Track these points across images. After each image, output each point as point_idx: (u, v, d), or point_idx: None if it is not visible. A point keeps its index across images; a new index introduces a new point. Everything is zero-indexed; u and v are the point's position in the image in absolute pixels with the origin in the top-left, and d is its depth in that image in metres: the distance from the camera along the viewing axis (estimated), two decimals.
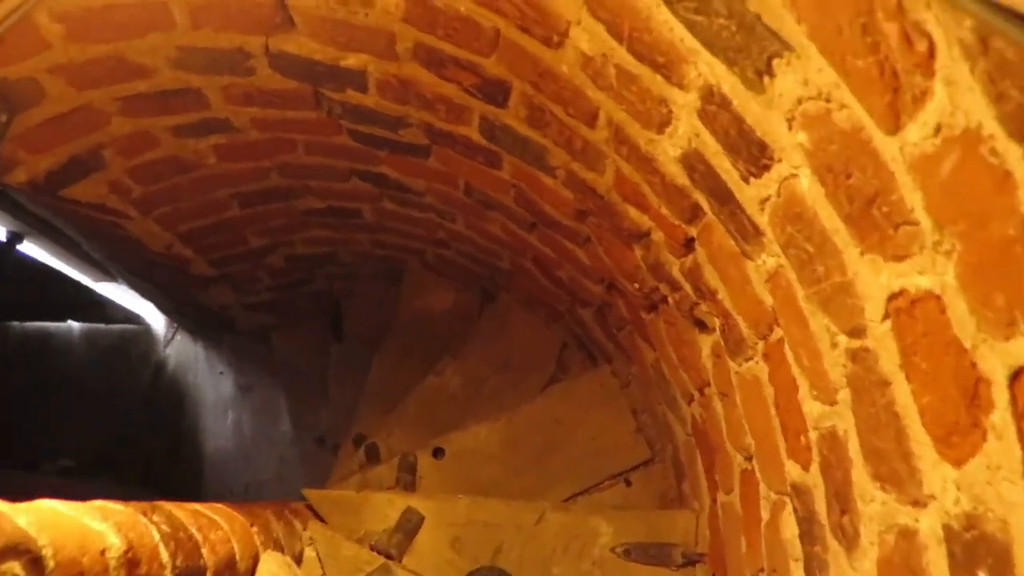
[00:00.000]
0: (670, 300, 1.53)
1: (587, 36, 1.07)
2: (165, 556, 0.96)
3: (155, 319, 4.50)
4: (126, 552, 0.86)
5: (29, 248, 3.64)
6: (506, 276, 2.41)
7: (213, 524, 1.20)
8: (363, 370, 2.89)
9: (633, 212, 1.41)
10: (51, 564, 0.71)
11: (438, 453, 2.12)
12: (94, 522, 0.85)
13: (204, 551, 1.09)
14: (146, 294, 3.70)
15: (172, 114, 1.73)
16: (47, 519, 0.75)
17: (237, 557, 1.21)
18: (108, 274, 4.04)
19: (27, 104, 1.57)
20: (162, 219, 2.15)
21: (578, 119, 1.30)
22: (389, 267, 2.79)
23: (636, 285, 1.62)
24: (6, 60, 1.45)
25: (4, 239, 3.41)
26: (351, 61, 1.49)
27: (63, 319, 4.54)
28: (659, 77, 1.01)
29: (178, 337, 4.37)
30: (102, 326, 4.56)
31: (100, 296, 4.24)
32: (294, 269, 2.78)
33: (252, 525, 1.37)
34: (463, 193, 1.93)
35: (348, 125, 1.76)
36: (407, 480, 2.04)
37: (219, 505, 1.35)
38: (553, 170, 1.54)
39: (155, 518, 1.02)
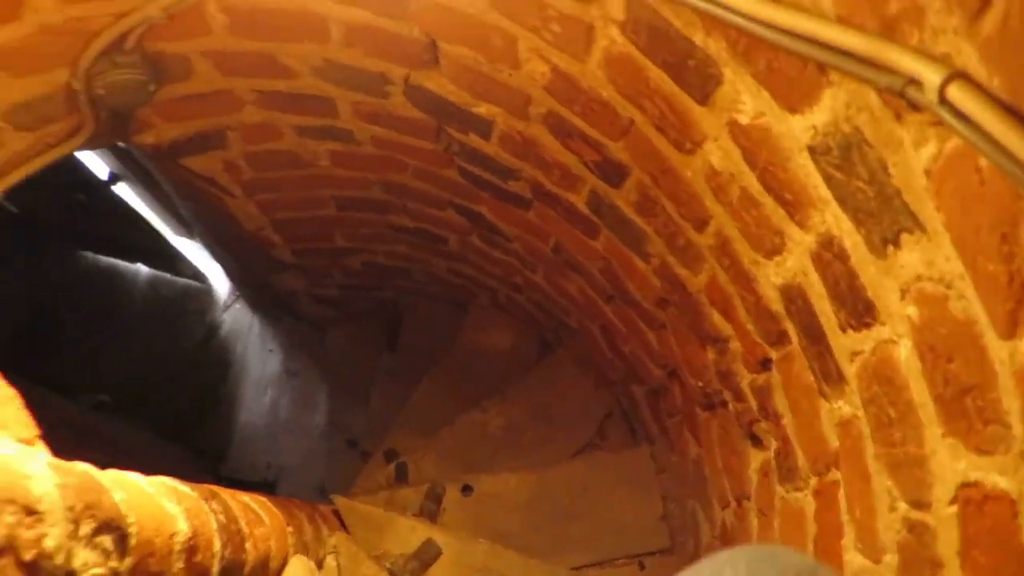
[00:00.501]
0: (730, 407, 1.55)
1: (720, 153, 1.11)
2: (217, 546, 1.01)
3: (219, 282, 4.62)
4: (190, 539, 0.91)
5: (123, 189, 3.79)
6: (569, 333, 2.45)
7: (258, 520, 1.25)
8: (408, 386, 2.94)
9: (717, 318, 1.44)
10: (133, 542, 0.76)
11: (466, 490, 2.15)
12: (170, 504, 0.90)
13: (247, 546, 1.14)
14: (219, 260, 3.82)
15: (301, 115, 1.81)
16: (135, 498, 0.80)
17: (271, 556, 1.25)
18: (188, 231, 4.17)
19: (175, 78, 1.66)
20: (262, 204, 2.24)
21: (688, 221, 1.33)
22: (458, 295, 2.84)
23: (700, 383, 1.65)
24: (168, 36, 1.54)
25: (105, 177, 3.55)
26: (482, 110, 1.55)
27: (134, 261, 4.68)
28: (782, 211, 1.04)
29: (237, 305, 4.48)
30: (168, 276, 4.70)
31: (174, 248, 4.37)
32: (368, 275, 2.85)
33: (288, 525, 1.42)
34: (551, 250, 1.98)
35: (461, 163, 1.82)
36: (431, 509, 2.08)
37: (264, 499, 1.41)
38: (648, 256, 1.58)
39: (214, 506, 1.07)
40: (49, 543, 0.62)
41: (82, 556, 0.67)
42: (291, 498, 1.70)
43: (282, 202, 2.23)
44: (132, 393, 4.52)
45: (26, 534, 0.59)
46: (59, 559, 0.63)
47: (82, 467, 0.75)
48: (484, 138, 1.64)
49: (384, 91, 1.64)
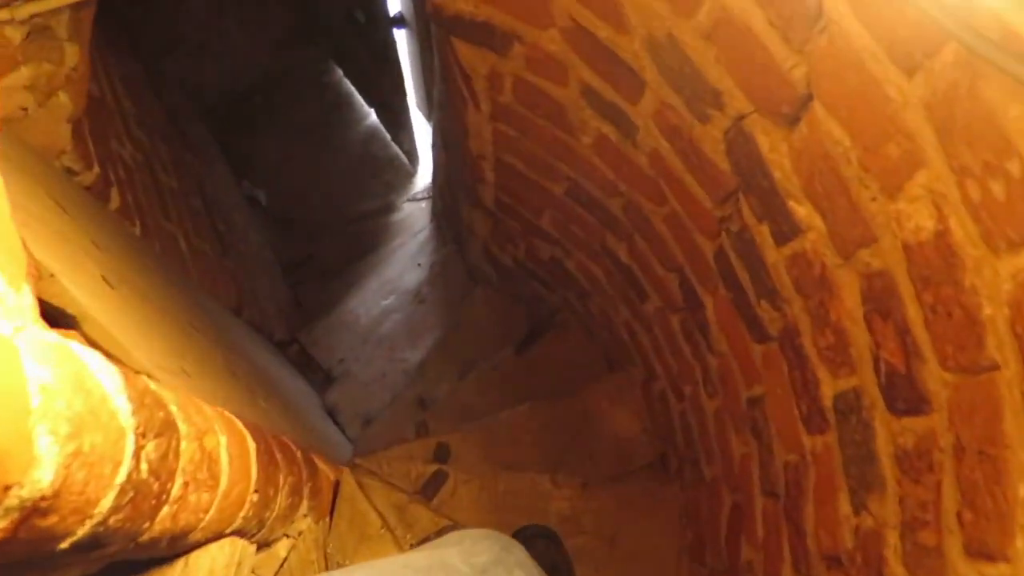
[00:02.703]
0: None
1: None
2: (99, 509, 0.67)
3: (423, 174, 4.41)
4: (42, 499, 0.57)
5: (400, 35, 3.59)
6: (697, 478, 2.01)
7: (211, 481, 0.91)
8: (508, 397, 2.59)
9: None
10: None
11: None
12: (46, 440, 0.56)
13: (163, 513, 0.80)
14: (434, 155, 3.56)
15: (600, 77, 1.45)
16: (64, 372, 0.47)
17: (195, 528, 0.92)
18: (428, 111, 3.95)
19: None
20: (499, 135, 1.91)
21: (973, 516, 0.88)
22: (616, 353, 2.44)
23: None
24: None
25: (393, 15, 3.36)
26: (802, 212, 1.13)
27: (370, 105, 4.53)
28: None
29: (422, 204, 4.26)
30: (386, 138, 4.52)
31: (408, 118, 4.17)
32: (549, 271, 2.49)
33: (256, 491, 1.08)
34: (747, 399, 1.55)
35: (725, 244, 1.41)
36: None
37: (252, 447, 1.07)
38: (862, 508, 1.13)
39: (148, 451, 0.74)
40: None
41: None
42: (300, 449, 1.38)
43: (518, 148, 1.89)
44: (283, 213, 4.40)
45: None
46: None
47: None
48: (777, 243, 1.22)
49: (705, 113, 1.25)
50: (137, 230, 2.19)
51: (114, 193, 2.07)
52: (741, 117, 1.17)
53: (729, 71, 1.13)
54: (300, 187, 4.50)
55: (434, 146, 3.47)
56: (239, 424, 1.08)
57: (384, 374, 3.32)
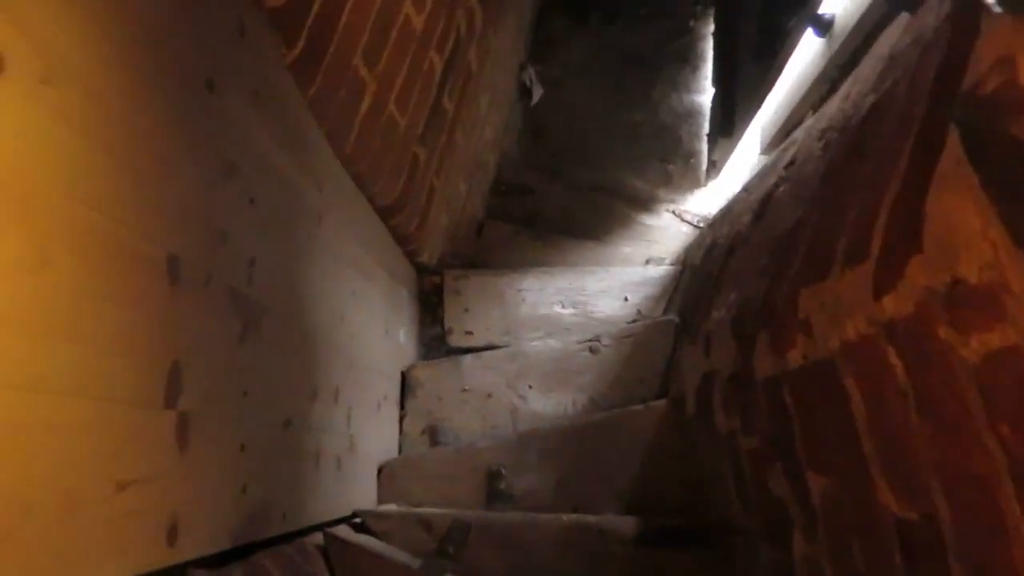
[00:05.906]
0: None
1: None
2: None
3: (707, 196, 3.43)
4: None
5: (805, 39, 2.58)
6: None
7: None
8: None
9: None
10: None
11: None
12: None
13: None
14: (728, 209, 2.57)
15: None
16: None
17: None
18: (766, 149, 2.93)
19: None
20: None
21: None
22: None
23: None
24: None
25: (819, 12, 2.36)
26: None
27: (715, 85, 3.54)
28: None
29: (684, 229, 3.30)
30: (703, 131, 3.55)
31: (740, 130, 3.17)
32: (765, 516, 1.52)
33: None
34: None
35: None
36: None
37: None
38: None
39: None
40: None
41: None
42: None
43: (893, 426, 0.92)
44: (540, 123, 3.56)
45: None
46: None
47: None
48: None
49: None
50: (290, 57, 1.38)
51: None
52: None
53: None
54: (580, 110, 3.64)
55: (740, 193, 2.48)
56: None
57: (491, 395, 2.48)
